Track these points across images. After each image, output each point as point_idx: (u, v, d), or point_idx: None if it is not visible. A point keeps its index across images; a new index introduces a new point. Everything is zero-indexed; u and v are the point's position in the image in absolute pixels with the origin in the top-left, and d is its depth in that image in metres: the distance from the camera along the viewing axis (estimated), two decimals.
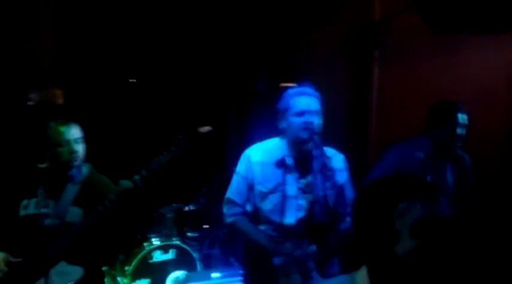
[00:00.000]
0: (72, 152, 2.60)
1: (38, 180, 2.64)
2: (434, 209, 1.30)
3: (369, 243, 1.34)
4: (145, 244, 4.03)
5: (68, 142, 2.59)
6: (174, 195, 4.79)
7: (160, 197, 4.37)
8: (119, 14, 4.99)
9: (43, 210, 2.58)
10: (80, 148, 2.64)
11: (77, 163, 2.64)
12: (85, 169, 2.73)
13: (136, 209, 2.82)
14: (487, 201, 3.19)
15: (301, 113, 2.34)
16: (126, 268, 3.95)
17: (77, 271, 2.60)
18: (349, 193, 2.54)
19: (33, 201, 2.61)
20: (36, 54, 4.47)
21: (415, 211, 1.29)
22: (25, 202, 2.60)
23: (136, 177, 2.57)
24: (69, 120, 2.69)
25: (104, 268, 3.65)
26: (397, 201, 1.29)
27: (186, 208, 4.52)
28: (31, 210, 2.59)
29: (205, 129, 2.95)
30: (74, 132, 2.64)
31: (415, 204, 1.29)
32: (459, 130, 2.99)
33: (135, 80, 5.65)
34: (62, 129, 2.61)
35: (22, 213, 2.58)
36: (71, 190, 2.65)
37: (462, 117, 2.98)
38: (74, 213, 2.61)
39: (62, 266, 2.55)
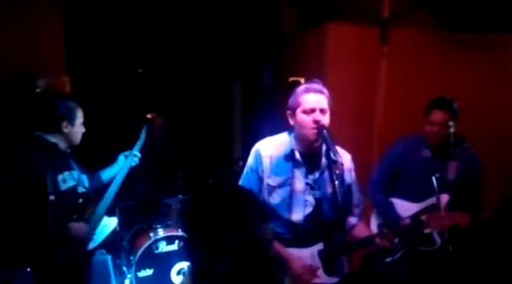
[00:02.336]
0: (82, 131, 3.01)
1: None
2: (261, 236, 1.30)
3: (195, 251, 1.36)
4: (151, 234, 4.08)
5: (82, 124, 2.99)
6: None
7: None
8: (128, 5, 5.00)
9: (78, 182, 2.96)
10: None
11: None
12: None
13: None
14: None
15: (309, 111, 2.35)
16: (131, 257, 4.00)
17: (112, 221, 3.16)
18: (356, 192, 2.57)
19: (67, 173, 2.88)
20: (45, 40, 4.47)
21: (238, 236, 1.30)
22: (61, 176, 2.84)
23: None
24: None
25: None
26: (226, 221, 1.29)
27: None
28: (71, 182, 2.88)
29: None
30: None
31: (241, 228, 1.29)
32: (432, 127, 3.01)
33: (142, 70, 5.67)
34: (81, 111, 2.98)
35: (63, 186, 2.83)
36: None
37: (435, 114, 2.99)
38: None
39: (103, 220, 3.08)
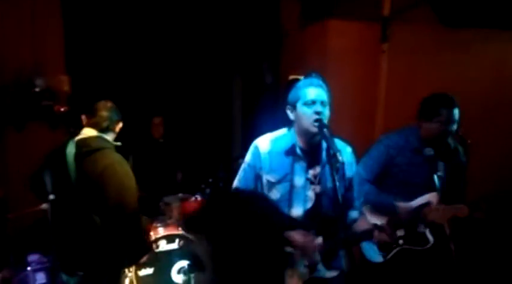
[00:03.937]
0: None
1: None
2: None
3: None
4: (151, 233, 4.05)
5: None
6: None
7: None
8: (128, 4, 4.99)
9: None
10: None
11: None
12: None
13: None
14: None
15: (310, 103, 2.32)
16: None
17: None
18: (357, 186, 2.54)
19: None
20: (44, 39, 4.47)
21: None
22: None
23: None
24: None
25: None
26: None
27: (192, 198, 4.53)
28: None
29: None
30: None
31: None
32: (448, 126, 2.91)
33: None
34: None
35: None
36: None
37: (452, 112, 2.90)
38: None
39: None
